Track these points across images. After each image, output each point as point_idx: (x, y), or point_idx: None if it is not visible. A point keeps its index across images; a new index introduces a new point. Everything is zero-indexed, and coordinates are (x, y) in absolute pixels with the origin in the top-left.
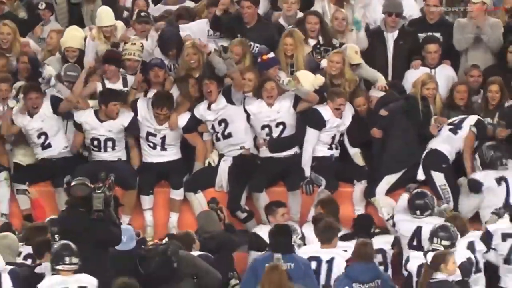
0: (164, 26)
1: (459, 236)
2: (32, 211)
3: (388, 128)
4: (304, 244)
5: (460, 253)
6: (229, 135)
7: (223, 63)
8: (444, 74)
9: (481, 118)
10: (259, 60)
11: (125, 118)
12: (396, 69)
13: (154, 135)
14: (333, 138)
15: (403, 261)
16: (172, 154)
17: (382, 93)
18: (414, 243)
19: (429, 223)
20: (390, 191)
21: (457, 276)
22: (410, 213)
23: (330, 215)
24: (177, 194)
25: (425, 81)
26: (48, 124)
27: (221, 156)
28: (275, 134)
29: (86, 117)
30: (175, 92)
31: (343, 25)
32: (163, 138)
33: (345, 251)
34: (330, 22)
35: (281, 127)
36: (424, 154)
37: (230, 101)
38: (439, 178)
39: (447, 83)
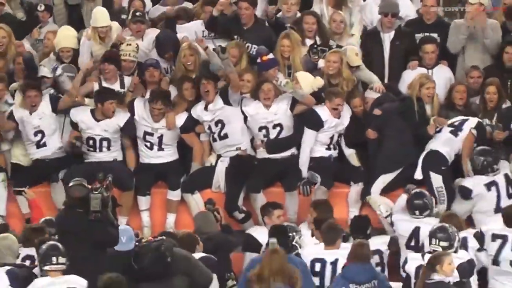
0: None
1: (457, 237)
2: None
3: (383, 129)
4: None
5: (460, 255)
6: (226, 136)
7: (218, 57)
8: (441, 75)
9: (481, 120)
10: (258, 60)
11: (121, 118)
12: (392, 69)
13: (151, 134)
14: (331, 138)
15: (401, 261)
16: (169, 154)
17: (378, 94)
18: (412, 243)
19: (427, 224)
20: (387, 191)
21: (455, 277)
22: (409, 213)
23: (323, 217)
24: (174, 195)
25: (424, 81)
26: (46, 123)
27: (218, 156)
28: (272, 136)
29: (82, 116)
30: (172, 92)
31: (340, 28)
32: (160, 138)
33: None
34: (328, 24)
35: (278, 128)
36: (424, 154)
37: (227, 102)
38: (437, 180)
39: (445, 84)
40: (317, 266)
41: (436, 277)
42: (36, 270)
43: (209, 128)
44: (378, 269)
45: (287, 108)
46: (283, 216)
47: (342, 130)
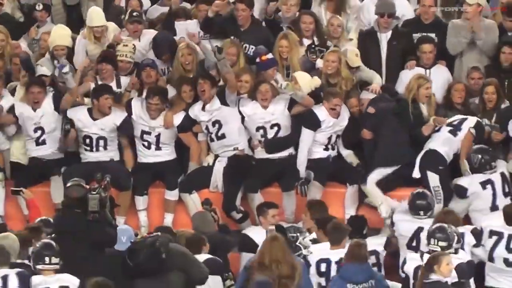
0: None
1: (456, 238)
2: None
3: (378, 129)
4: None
5: (461, 256)
6: (223, 136)
7: (211, 51)
8: (439, 75)
9: (480, 120)
10: (257, 60)
11: (118, 117)
12: (390, 69)
13: (149, 133)
14: (329, 139)
15: (400, 262)
16: (167, 154)
17: (373, 95)
18: (414, 243)
19: (429, 224)
20: (387, 191)
21: (453, 277)
22: (411, 213)
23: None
24: (172, 195)
25: (422, 82)
26: (47, 120)
27: (215, 156)
28: (270, 136)
29: (79, 114)
30: (170, 91)
31: (338, 32)
32: (158, 137)
33: None
34: (326, 28)
35: (275, 128)
36: (422, 153)
37: (224, 102)
38: (433, 179)
39: (442, 84)
40: (323, 267)
41: (434, 277)
42: None
43: (207, 128)
44: (375, 269)
45: (284, 108)
46: (279, 216)
47: (340, 131)
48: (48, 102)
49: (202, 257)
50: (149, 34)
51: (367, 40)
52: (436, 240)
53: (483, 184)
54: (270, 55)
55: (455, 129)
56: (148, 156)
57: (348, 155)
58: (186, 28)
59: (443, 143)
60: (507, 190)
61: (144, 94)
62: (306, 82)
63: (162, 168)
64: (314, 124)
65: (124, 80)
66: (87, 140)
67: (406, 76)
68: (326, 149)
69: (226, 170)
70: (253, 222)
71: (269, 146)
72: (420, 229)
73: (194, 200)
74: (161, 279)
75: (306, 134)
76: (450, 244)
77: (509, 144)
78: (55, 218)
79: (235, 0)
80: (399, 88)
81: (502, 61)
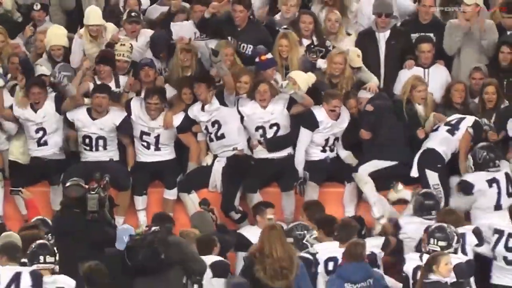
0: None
1: (456, 237)
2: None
3: (376, 129)
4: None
5: (460, 255)
6: (222, 136)
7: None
8: (438, 74)
9: (478, 119)
10: (257, 60)
11: (117, 117)
12: (388, 69)
13: (148, 134)
14: (327, 140)
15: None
16: (166, 154)
17: (371, 94)
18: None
19: None
20: (384, 190)
21: (452, 277)
22: (420, 215)
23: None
24: (171, 194)
25: (416, 84)
26: (49, 121)
27: (215, 156)
28: (269, 136)
29: (79, 114)
30: (168, 91)
31: (335, 27)
32: (157, 138)
33: None
34: (323, 23)
35: (275, 128)
36: (420, 152)
37: (223, 102)
38: (433, 177)
39: (441, 83)
40: (330, 265)
41: (433, 277)
42: None
43: (206, 128)
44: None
45: (283, 108)
46: (278, 216)
47: (339, 133)
48: (49, 103)
49: (210, 258)
50: (147, 33)
51: (365, 39)
52: (435, 240)
53: (490, 182)
54: (269, 55)
55: (453, 129)
56: (147, 155)
57: (347, 156)
58: (181, 29)
59: (441, 142)
60: (511, 190)
61: (143, 94)
62: (304, 79)
63: (161, 167)
64: (312, 124)
65: (123, 80)
66: (87, 140)
67: (405, 76)
68: (324, 150)
69: (225, 170)
70: (251, 223)
71: (270, 145)
72: None
73: (193, 200)
74: (160, 277)
75: (304, 134)
76: (449, 243)
77: (508, 144)
78: (54, 218)
79: (232, 1)
80: (398, 87)
81: (501, 61)
